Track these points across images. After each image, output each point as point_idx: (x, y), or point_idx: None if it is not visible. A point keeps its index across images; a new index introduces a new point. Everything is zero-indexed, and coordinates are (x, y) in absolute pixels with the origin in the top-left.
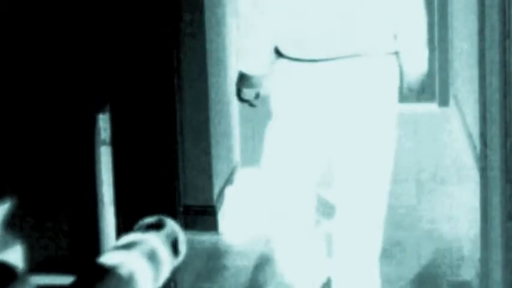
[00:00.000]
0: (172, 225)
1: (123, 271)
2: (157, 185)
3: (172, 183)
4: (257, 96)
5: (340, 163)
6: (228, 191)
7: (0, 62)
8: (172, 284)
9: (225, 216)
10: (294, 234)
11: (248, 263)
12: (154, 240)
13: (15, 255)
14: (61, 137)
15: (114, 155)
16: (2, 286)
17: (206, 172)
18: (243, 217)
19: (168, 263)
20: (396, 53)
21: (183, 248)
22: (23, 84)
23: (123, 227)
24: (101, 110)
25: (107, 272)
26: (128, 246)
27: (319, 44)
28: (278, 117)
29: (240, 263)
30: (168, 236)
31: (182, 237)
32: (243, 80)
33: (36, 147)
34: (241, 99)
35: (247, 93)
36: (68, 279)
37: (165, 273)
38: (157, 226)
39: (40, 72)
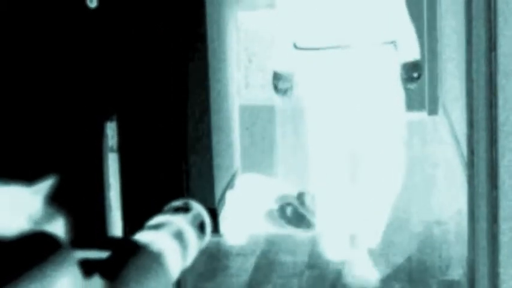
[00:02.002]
0: (198, 208)
1: (154, 248)
2: (162, 189)
3: (177, 187)
4: (290, 89)
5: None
6: (229, 194)
7: (15, 73)
8: (175, 284)
9: (226, 219)
10: (333, 190)
11: (248, 263)
12: (182, 222)
13: (58, 228)
14: (72, 144)
15: (121, 161)
16: (46, 256)
17: (208, 177)
18: (243, 219)
19: (194, 243)
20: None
21: (208, 229)
22: (37, 96)
23: (129, 230)
24: (108, 118)
25: (139, 248)
26: (157, 226)
27: (330, 34)
28: (309, 100)
29: (240, 263)
30: (194, 218)
31: (208, 219)
32: (276, 77)
33: (48, 154)
34: (277, 93)
35: (281, 88)
36: (103, 255)
37: (192, 253)
38: (185, 209)
39: (54, 85)
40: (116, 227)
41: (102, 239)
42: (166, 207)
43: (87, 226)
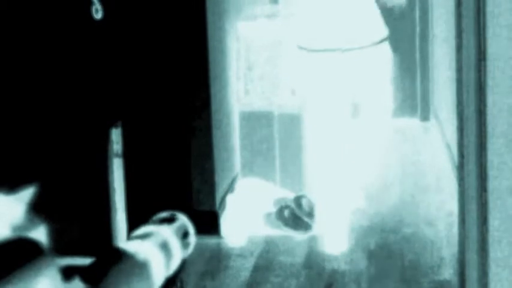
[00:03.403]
0: (183, 219)
1: (138, 257)
2: (166, 193)
3: (180, 191)
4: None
5: None
6: (229, 198)
7: (22, 82)
8: (178, 283)
9: (227, 221)
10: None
11: (248, 263)
12: (167, 232)
13: (40, 235)
14: (78, 149)
15: (126, 165)
16: (28, 261)
17: (209, 181)
18: (243, 221)
19: (178, 253)
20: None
21: (192, 240)
22: (45, 103)
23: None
24: (113, 125)
25: (123, 256)
26: (143, 236)
27: (328, 37)
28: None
29: (240, 264)
30: (179, 229)
31: (192, 230)
32: None
33: (54, 159)
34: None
35: None
36: (86, 261)
37: (175, 262)
38: (170, 220)
39: (61, 94)
40: (121, 229)
41: (86, 246)
42: (152, 218)
43: (92, 228)
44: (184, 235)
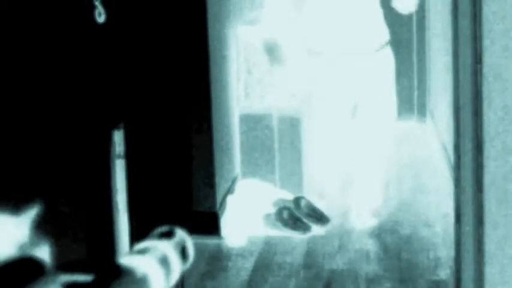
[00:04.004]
0: (181, 233)
1: (138, 273)
2: (167, 194)
3: (181, 192)
4: None
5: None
6: (229, 199)
7: (26, 85)
8: (179, 283)
9: (227, 222)
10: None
11: (247, 263)
12: (166, 247)
13: (42, 254)
14: (80, 151)
15: (128, 167)
16: (30, 280)
17: (210, 182)
18: (243, 222)
19: (177, 267)
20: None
21: (191, 253)
22: (49, 106)
23: (135, 232)
24: (116, 127)
25: (123, 272)
26: (142, 251)
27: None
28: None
29: (240, 264)
30: (177, 243)
31: (190, 244)
32: None
33: (57, 160)
34: None
35: None
36: (87, 278)
37: (175, 276)
38: (169, 234)
39: (64, 96)
40: (123, 229)
41: (87, 262)
42: (151, 233)
43: (96, 229)
44: (183, 249)
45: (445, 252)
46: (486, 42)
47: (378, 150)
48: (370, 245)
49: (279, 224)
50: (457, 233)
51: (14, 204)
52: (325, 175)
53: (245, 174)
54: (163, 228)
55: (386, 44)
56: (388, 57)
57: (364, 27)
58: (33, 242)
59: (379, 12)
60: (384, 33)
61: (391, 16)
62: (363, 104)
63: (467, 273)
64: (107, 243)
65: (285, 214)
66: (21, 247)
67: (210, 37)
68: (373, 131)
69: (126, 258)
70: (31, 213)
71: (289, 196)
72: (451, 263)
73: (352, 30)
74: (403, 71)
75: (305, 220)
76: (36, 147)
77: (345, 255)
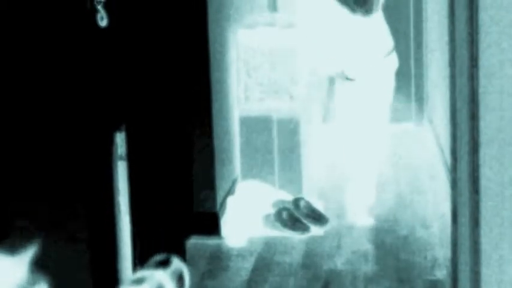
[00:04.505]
0: (177, 262)
1: None
2: (168, 195)
3: (182, 193)
4: None
5: None
6: (230, 200)
7: (30, 88)
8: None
9: (227, 222)
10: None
11: (247, 263)
12: (162, 276)
13: None
14: (83, 153)
15: (130, 168)
16: None
17: (210, 184)
18: (243, 223)
19: None
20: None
21: (187, 282)
22: (53, 109)
23: (137, 232)
24: (118, 129)
25: None
26: (140, 280)
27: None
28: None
29: (240, 264)
30: (174, 272)
31: (186, 273)
32: None
33: (61, 162)
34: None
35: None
36: None
37: None
38: (165, 263)
39: (67, 100)
40: (125, 229)
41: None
42: (148, 262)
43: (98, 229)
44: (180, 278)
45: (442, 252)
46: (482, 46)
47: (375, 152)
48: (368, 245)
49: (278, 224)
50: (453, 233)
51: (11, 244)
52: (324, 176)
53: (245, 176)
54: (160, 257)
55: (392, 50)
56: (392, 63)
57: (373, 37)
58: (31, 282)
59: (382, 20)
60: (389, 39)
61: (389, 24)
62: (364, 105)
63: (464, 274)
64: (109, 243)
65: (284, 215)
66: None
67: (211, 41)
68: (371, 133)
69: None
70: (29, 254)
71: (289, 197)
72: (448, 263)
73: (364, 43)
74: (401, 75)
75: (304, 221)
76: (39, 148)
77: (343, 255)
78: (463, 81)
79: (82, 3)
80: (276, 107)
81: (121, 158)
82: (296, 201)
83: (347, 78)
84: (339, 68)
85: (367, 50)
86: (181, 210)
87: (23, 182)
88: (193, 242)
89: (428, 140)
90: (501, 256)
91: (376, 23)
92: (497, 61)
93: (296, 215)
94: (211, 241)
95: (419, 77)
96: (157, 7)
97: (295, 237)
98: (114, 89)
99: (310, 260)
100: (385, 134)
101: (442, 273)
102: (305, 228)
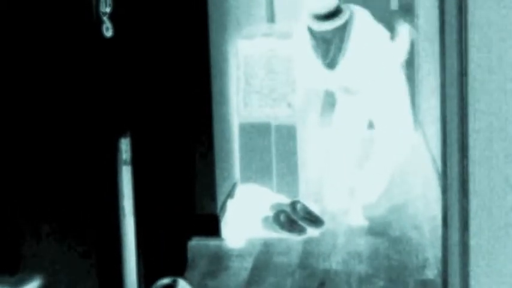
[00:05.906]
0: (183, 284)
1: None
2: (171, 198)
3: (184, 197)
4: None
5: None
6: (230, 203)
7: (37, 96)
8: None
9: (227, 224)
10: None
11: (246, 263)
12: None
13: None
14: (89, 158)
15: (134, 173)
16: None
17: (211, 187)
18: (242, 225)
19: None
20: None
21: None
22: (59, 116)
23: (141, 235)
24: (122, 135)
25: None
26: None
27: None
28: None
29: (239, 264)
30: None
31: None
32: None
33: (67, 167)
34: None
35: None
36: None
37: None
38: (171, 286)
39: (74, 107)
40: (129, 232)
41: None
42: (154, 285)
43: (103, 233)
44: None
45: (433, 253)
46: (472, 55)
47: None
48: (362, 246)
49: (276, 226)
50: (444, 236)
51: (14, 281)
52: (320, 180)
53: (244, 180)
54: (166, 280)
55: (402, 65)
56: (402, 76)
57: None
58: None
59: (386, 37)
60: (398, 53)
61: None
62: (379, 118)
63: (454, 273)
64: (114, 245)
65: (282, 217)
66: None
67: (212, 51)
68: (391, 142)
69: None
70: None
71: (286, 200)
72: (439, 263)
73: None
74: None
75: (301, 223)
76: (46, 154)
77: (339, 255)
78: (452, 88)
79: (88, 15)
80: (274, 114)
81: (126, 163)
82: (293, 204)
83: (348, 92)
84: (341, 84)
85: (371, 63)
86: (183, 213)
87: (29, 187)
88: (195, 243)
89: (419, 145)
90: (490, 257)
91: (379, 34)
92: (487, 69)
93: (293, 217)
94: (211, 242)
95: (411, 85)
96: (160, 19)
97: (293, 238)
98: (119, 96)
99: (306, 260)
100: (410, 139)
101: (433, 273)
102: (302, 230)
